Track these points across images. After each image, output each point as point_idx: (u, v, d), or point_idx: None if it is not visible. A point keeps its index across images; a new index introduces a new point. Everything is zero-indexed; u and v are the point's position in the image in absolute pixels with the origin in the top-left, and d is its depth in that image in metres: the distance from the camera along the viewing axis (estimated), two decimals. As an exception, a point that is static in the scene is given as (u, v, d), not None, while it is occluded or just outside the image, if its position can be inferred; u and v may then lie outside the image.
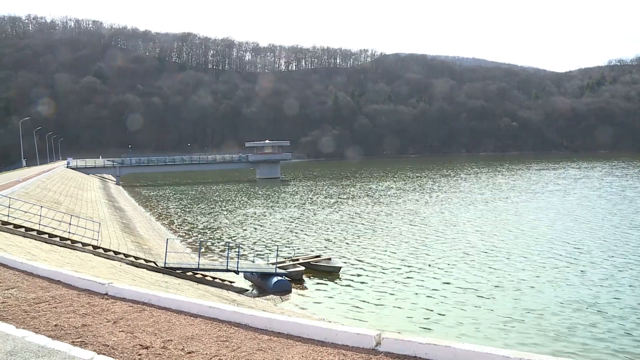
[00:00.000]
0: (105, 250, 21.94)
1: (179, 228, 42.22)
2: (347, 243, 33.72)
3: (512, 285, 22.79)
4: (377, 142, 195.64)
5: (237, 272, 23.53)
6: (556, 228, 37.15)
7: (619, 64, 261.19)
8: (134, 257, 22.51)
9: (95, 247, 21.64)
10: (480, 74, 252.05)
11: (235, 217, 47.30)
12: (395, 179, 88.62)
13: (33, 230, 21.04)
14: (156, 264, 22.28)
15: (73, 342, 6.45)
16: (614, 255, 27.79)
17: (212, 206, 56.91)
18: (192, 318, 7.56)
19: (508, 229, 37.45)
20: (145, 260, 22.67)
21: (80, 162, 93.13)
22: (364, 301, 21.18)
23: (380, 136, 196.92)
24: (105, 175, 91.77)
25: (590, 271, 24.76)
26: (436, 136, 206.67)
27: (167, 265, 22.08)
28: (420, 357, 5.79)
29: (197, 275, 22.88)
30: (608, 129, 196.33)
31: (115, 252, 22.11)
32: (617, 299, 20.60)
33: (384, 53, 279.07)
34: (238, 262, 23.77)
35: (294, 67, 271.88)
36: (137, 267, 21.08)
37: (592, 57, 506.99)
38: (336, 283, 24.11)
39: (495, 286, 22.66)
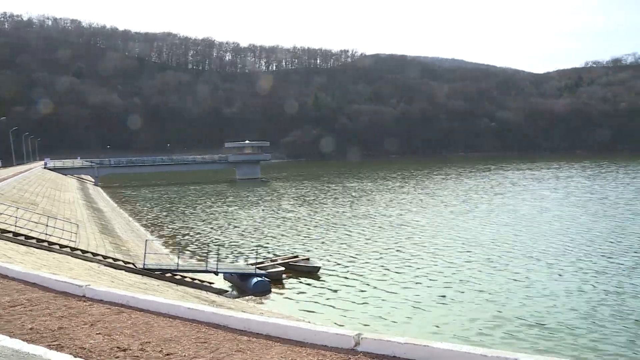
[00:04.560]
0: (83, 251, 21.69)
1: (158, 229, 41.93)
2: (326, 243, 33.83)
3: (488, 284, 23.10)
4: (358, 142, 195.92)
5: (216, 273, 23.46)
6: (532, 227, 37.77)
7: (595, 65, 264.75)
8: (112, 258, 22.30)
9: (73, 249, 21.39)
10: (459, 75, 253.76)
11: (214, 218, 47.11)
12: (372, 179, 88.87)
13: (9, 232, 20.73)
14: (135, 266, 22.11)
15: (49, 345, 6.36)
16: (577, 252, 28.42)
17: (191, 207, 56.62)
18: (170, 320, 7.50)
19: (482, 228, 37.99)
20: (124, 261, 22.49)
21: (58, 163, 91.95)
22: (343, 301, 21.27)
23: (361, 137, 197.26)
24: (83, 176, 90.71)
25: (557, 268, 25.31)
26: (417, 137, 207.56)
27: (146, 267, 21.93)
28: (399, 357, 5.79)
29: (176, 277, 22.73)
30: (586, 129, 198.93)
31: (94, 254, 21.88)
32: (583, 292, 21.28)
33: (364, 53, 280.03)
34: (217, 263, 23.68)
35: (274, 67, 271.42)
36: (115, 268, 20.89)
37: (569, 58, 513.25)
38: (315, 283, 24.18)
39: (473, 285, 22.95)
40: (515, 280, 23.51)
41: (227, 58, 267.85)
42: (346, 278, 24.70)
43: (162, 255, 28.52)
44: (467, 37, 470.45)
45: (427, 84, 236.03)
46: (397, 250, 30.59)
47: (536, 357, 5.39)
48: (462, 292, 21.87)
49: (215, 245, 32.80)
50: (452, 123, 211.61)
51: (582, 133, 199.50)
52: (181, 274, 23.08)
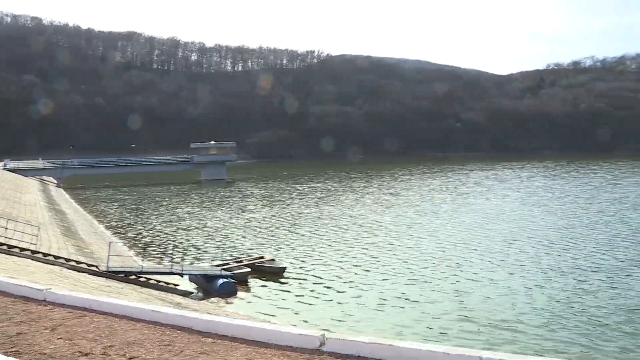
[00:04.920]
0: (45, 255, 21.25)
1: (122, 231, 41.32)
2: (291, 244, 33.89)
3: (451, 283, 23.48)
4: (325, 143, 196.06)
5: (181, 275, 23.26)
6: (494, 226, 38.58)
7: (556, 67, 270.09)
8: (75, 261, 21.90)
9: (33, 252, 20.94)
10: (425, 76, 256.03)
11: (180, 219, 46.65)
12: (337, 180, 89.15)
13: (-35, 235, 20.20)
14: (98, 268, 21.74)
15: (7, 352, 6.21)
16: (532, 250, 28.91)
17: (156, 208, 55.94)
18: (134, 323, 7.40)
19: (445, 228, 38.60)
20: (87, 264, 22.09)
21: (19, 164, 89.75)
22: (308, 301, 21.36)
23: (327, 137, 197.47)
24: (45, 178, 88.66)
25: (519, 266, 25.92)
26: (385, 137, 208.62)
27: (109, 269, 21.59)
28: (364, 357, 5.84)
29: (140, 279, 22.44)
30: (548, 130, 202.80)
31: (56, 257, 21.46)
32: (542, 289, 21.88)
33: (331, 54, 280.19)
34: (182, 264, 23.46)
35: (240, 67, 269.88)
36: (78, 271, 20.51)
37: (531, 60, 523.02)
38: (281, 284, 24.23)
39: (436, 284, 23.30)
40: (477, 279, 23.95)
41: (192, 58, 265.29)
42: (312, 278, 24.82)
43: (126, 258, 28.10)
44: (432, 38, 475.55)
45: (393, 84, 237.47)
46: (362, 251, 30.87)
47: (499, 354, 5.49)
48: (426, 291, 22.20)
49: (181, 246, 32.51)
50: (418, 124, 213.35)
51: (544, 133, 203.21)
52: (146, 276, 22.80)
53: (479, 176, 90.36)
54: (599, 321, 18.02)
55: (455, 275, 24.74)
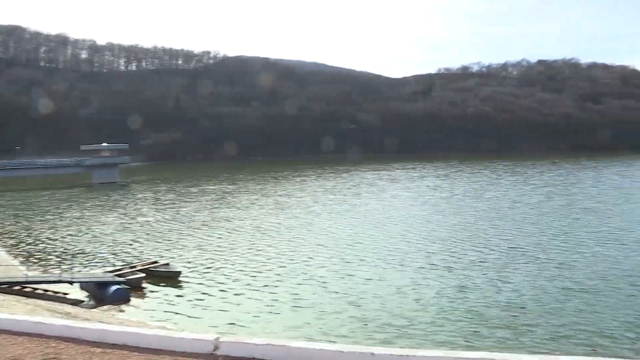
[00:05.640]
0: None
1: (4, 239, 38.80)
2: (186, 247, 33.40)
3: (344, 282, 24.04)
4: (221, 145, 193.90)
5: (71, 283, 22.32)
6: (385, 226, 39.84)
7: (446, 72, 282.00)
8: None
9: None
10: (322, 78, 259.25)
11: (69, 225, 44.51)
12: (232, 182, 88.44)
13: None
14: (-25, 280, 20.38)
15: None
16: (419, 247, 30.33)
17: (42, 214, 52.93)
18: (15, 337, 7.04)
19: (338, 228, 39.45)
20: (-38, 276, 20.66)
21: None
22: (204, 305, 21.24)
23: (224, 139, 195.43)
24: None
25: (408, 265, 26.86)
26: (282, 139, 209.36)
27: (-10, 280, 20.31)
28: (257, 358, 5.90)
29: (26, 289, 21.30)
30: (439, 131, 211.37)
31: None
32: (430, 287, 22.68)
33: (227, 55, 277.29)
34: (72, 272, 22.49)
35: (134, 67, 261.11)
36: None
37: (423, 64, 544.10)
38: (176, 288, 23.89)
39: (329, 284, 23.77)
40: (368, 277, 24.69)
41: (83, 56, 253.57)
42: (207, 282, 24.66)
43: (9, 267, 26.51)
44: (329, 42, 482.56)
45: (290, 86, 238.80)
46: (256, 253, 30.97)
47: (390, 350, 5.73)
48: (319, 292, 22.64)
49: (70, 253, 31.09)
50: (314, 125, 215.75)
51: (436, 135, 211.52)
52: (32, 286, 21.67)
53: (372, 177, 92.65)
54: (482, 314, 19.11)
55: (347, 274, 25.36)
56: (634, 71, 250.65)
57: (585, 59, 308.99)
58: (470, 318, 18.77)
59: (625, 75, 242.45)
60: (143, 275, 24.68)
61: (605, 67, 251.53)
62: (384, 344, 15.83)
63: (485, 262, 27.17)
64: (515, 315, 18.91)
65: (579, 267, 25.61)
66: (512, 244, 31.88)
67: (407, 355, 5.70)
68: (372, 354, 5.47)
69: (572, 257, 27.80)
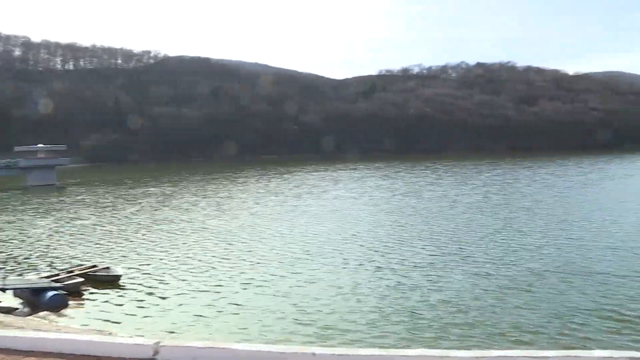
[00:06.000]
0: None
1: None
2: (126, 250, 32.79)
3: (286, 284, 24.07)
4: (163, 146, 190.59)
5: (3, 290, 21.54)
6: (327, 226, 40.14)
7: (387, 73, 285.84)
8: None
9: None
10: (264, 79, 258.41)
11: (1, 230, 42.81)
12: (173, 184, 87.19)
13: None
14: None
15: None
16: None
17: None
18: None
19: (280, 230, 39.40)
20: None
21: None
22: (145, 309, 20.90)
23: (165, 140, 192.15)
24: None
25: (352, 266, 27.19)
26: (223, 140, 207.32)
27: None
28: (200, 362, 5.86)
29: (-47, 298, 20.37)
30: (381, 132, 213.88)
31: None
32: (370, 288, 22.96)
33: (168, 55, 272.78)
34: (4, 278, 21.68)
35: (72, 66, 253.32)
36: None
37: (365, 66, 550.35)
38: (116, 292, 23.39)
39: (271, 286, 23.75)
40: (309, 279, 24.80)
41: (16, 53, 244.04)
42: (148, 285, 24.26)
43: None
44: (270, 42, 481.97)
45: (232, 87, 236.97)
46: (198, 255, 30.65)
47: (331, 349, 5.80)
48: (260, 294, 22.58)
49: (1, 260, 29.89)
50: (257, 126, 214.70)
51: (377, 136, 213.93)
52: (-41, 294, 20.74)
53: (314, 178, 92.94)
54: (420, 313, 19.52)
55: (288, 276, 25.44)
56: (565, 75, 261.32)
57: (520, 62, 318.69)
58: (409, 317, 19.14)
59: (557, 78, 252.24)
60: (81, 280, 24.05)
61: (539, 70, 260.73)
62: (325, 344, 15.95)
63: (425, 261, 27.69)
64: (453, 314, 19.36)
65: (516, 264, 26.41)
66: (452, 243, 32.62)
67: (347, 355, 5.79)
68: (314, 354, 5.53)
69: (509, 255, 28.65)
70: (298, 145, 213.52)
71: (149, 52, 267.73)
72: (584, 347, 14.75)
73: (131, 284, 24.54)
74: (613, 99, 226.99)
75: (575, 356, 5.85)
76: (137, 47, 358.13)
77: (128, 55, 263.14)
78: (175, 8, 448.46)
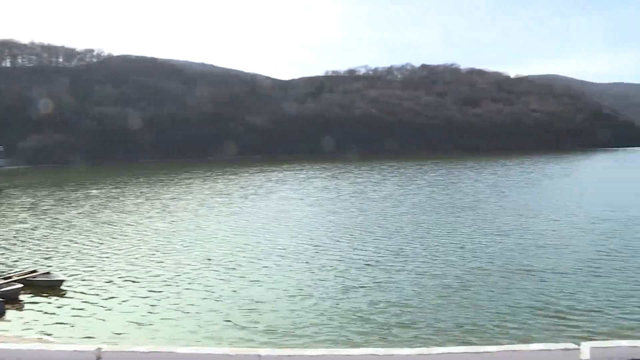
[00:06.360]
0: None
1: None
2: (68, 254, 31.96)
3: (227, 286, 24.07)
4: (107, 147, 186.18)
5: None
6: (271, 227, 40.30)
7: (334, 74, 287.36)
8: None
9: None
10: (210, 79, 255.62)
11: None
12: (117, 186, 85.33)
13: None
14: None
15: None
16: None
17: None
18: None
19: (224, 231, 39.31)
20: None
21: None
22: (87, 314, 20.53)
23: (110, 141, 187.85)
24: None
25: (300, 265, 27.43)
26: (169, 141, 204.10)
27: None
28: (143, 367, 5.83)
29: None
30: (327, 133, 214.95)
31: None
32: (312, 287, 23.30)
33: (112, 54, 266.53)
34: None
35: (9, 64, 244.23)
36: None
37: (312, 67, 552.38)
38: (58, 298, 22.82)
39: (213, 288, 23.72)
40: (256, 281, 24.86)
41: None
42: (90, 290, 23.76)
43: None
44: (216, 42, 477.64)
45: (177, 87, 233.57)
46: (141, 259, 30.20)
47: (277, 351, 5.86)
48: (204, 297, 22.51)
49: None
50: (202, 127, 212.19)
51: (324, 136, 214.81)
52: None
53: (259, 179, 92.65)
54: (366, 313, 19.82)
55: (233, 278, 25.42)
56: (507, 77, 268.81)
57: (464, 65, 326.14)
58: (354, 317, 19.41)
59: (499, 81, 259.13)
60: (20, 286, 23.27)
61: (481, 72, 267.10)
62: (271, 345, 16.02)
63: (370, 261, 28.04)
64: (398, 313, 19.71)
65: (459, 263, 27.07)
66: (397, 242, 33.18)
67: (293, 355, 5.86)
68: (259, 355, 5.58)
69: (453, 254, 29.35)
70: (248, 146, 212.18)
71: (92, 50, 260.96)
72: (523, 342, 15.26)
73: (73, 289, 23.96)
74: (551, 101, 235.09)
75: (514, 350, 6.10)
76: (79, 46, 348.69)
77: (70, 54, 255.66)
78: (119, 6, 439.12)
